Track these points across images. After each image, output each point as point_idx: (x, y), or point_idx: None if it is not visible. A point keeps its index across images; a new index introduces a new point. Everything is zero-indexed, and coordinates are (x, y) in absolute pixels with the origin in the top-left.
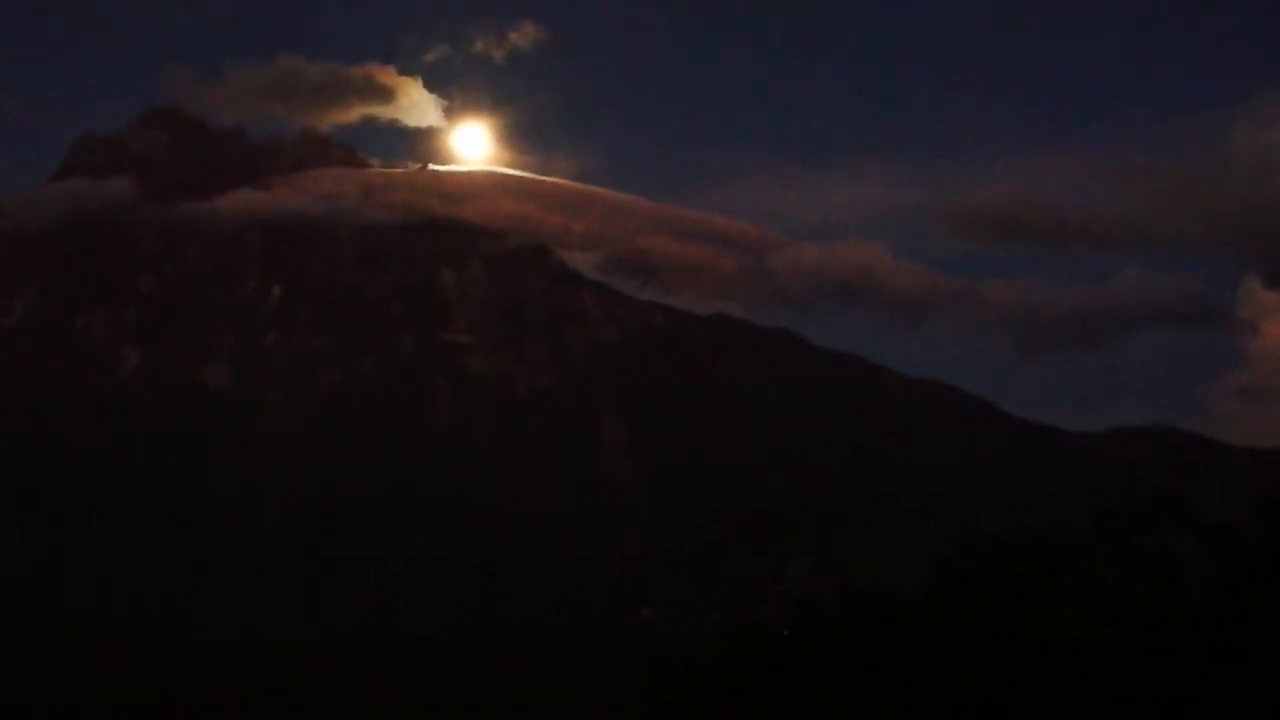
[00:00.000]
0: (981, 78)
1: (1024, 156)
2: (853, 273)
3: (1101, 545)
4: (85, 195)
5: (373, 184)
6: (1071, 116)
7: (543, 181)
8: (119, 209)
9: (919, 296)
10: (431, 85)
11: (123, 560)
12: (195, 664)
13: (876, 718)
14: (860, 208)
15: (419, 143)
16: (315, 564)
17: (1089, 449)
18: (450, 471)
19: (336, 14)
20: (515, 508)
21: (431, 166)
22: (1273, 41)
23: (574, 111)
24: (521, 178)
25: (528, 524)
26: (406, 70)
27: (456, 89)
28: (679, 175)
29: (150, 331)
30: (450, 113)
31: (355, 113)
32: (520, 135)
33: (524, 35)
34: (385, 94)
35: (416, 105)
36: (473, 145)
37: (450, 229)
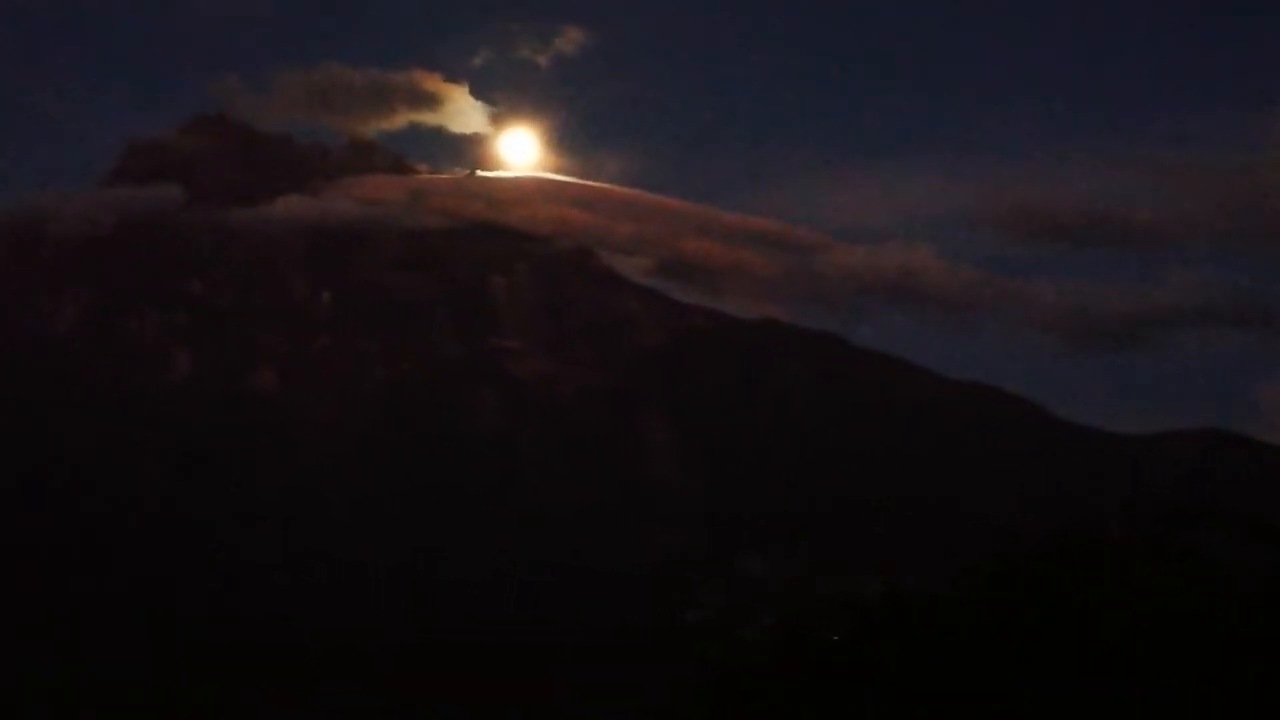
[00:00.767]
0: (1028, 76)
1: (1072, 155)
2: (898, 274)
3: (1148, 546)
4: (135, 200)
5: (420, 189)
6: (1121, 115)
7: (588, 186)
8: (169, 214)
9: (965, 298)
10: (477, 91)
11: (172, 563)
12: (245, 666)
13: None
14: (905, 209)
15: (466, 149)
16: (362, 567)
17: (1138, 451)
18: (497, 475)
19: (382, 21)
20: (561, 511)
21: (479, 172)
22: None
23: (619, 115)
24: (567, 182)
25: (573, 527)
26: (452, 77)
27: (502, 95)
28: (724, 178)
29: (200, 335)
30: (496, 118)
31: (402, 119)
32: (566, 140)
33: (568, 40)
34: (431, 100)
35: (462, 111)
36: (519, 150)
37: (496, 234)
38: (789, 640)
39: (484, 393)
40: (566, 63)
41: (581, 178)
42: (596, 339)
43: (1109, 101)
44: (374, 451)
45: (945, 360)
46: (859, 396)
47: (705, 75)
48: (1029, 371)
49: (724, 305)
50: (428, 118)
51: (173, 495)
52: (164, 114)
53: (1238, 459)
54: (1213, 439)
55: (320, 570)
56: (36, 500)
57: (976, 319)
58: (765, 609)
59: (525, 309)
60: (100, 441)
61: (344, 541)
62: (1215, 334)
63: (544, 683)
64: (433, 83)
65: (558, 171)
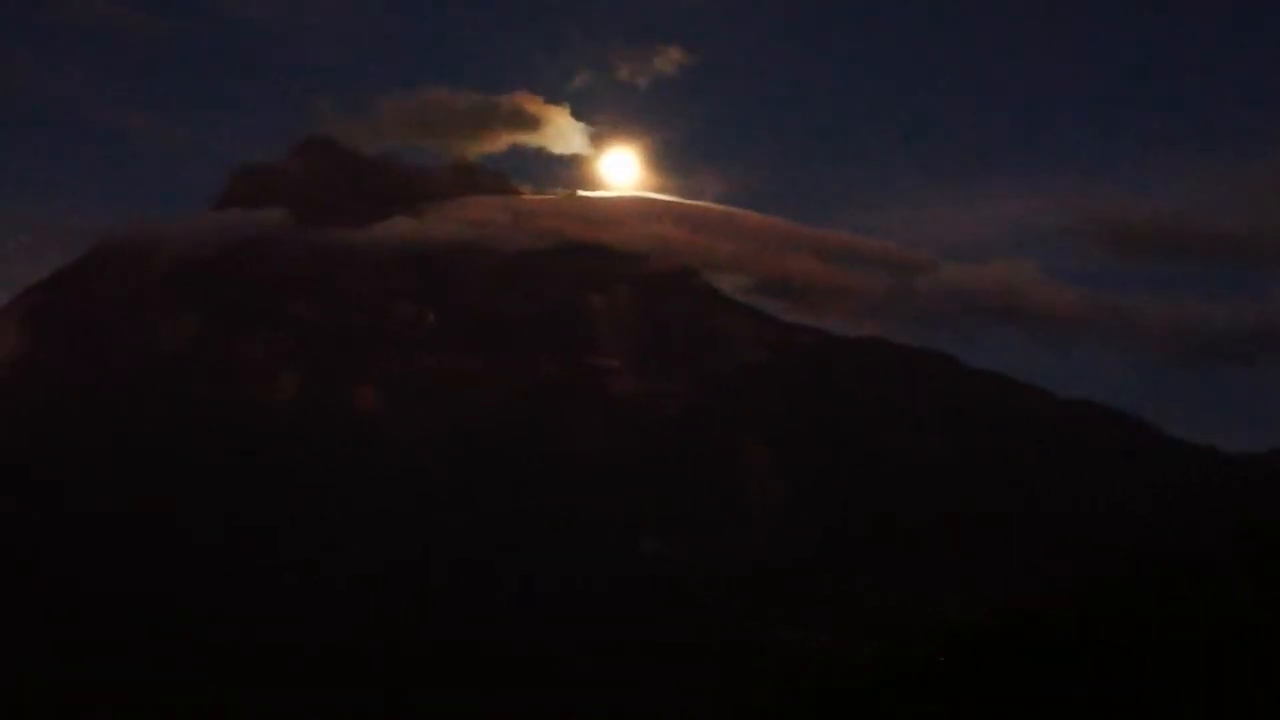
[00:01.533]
0: (1130, 91)
1: (1175, 170)
2: (1002, 292)
3: (1254, 565)
4: (243, 223)
5: (521, 210)
6: (1223, 129)
7: (689, 205)
8: (275, 236)
9: (1070, 315)
10: (578, 112)
11: (279, 581)
12: (350, 680)
13: None
14: (1008, 225)
15: (567, 169)
16: (465, 583)
17: (1247, 469)
18: (597, 493)
19: (483, 44)
20: (660, 529)
21: (580, 192)
22: None
23: (719, 134)
24: (668, 202)
25: (673, 545)
26: (553, 98)
27: (602, 115)
28: (825, 196)
29: (305, 356)
30: (596, 139)
31: (503, 141)
32: (666, 159)
33: (668, 60)
34: (532, 122)
35: (563, 133)
36: (620, 171)
37: (597, 253)
38: (891, 661)
39: (585, 411)
40: (666, 82)
41: (682, 197)
42: (697, 358)
43: (1211, 113)
44: (475, 470)
45: (1052, 378)
46: (965, 414)
47: (806, 93)
48: (1136, 388)
49: (826, 324)
50: (529, 139)
51: (276, 515)
52: (271, 139)
53: None
54: None
55: (422, 588)
56: (144, 517)
57: (1082, 336)
58: (867, 629)
59: (626, 328)
60: (207, 461)
61: (444, 560)
62: None
63: (634, 695)
64: (534, 105)
65: (658, 191)
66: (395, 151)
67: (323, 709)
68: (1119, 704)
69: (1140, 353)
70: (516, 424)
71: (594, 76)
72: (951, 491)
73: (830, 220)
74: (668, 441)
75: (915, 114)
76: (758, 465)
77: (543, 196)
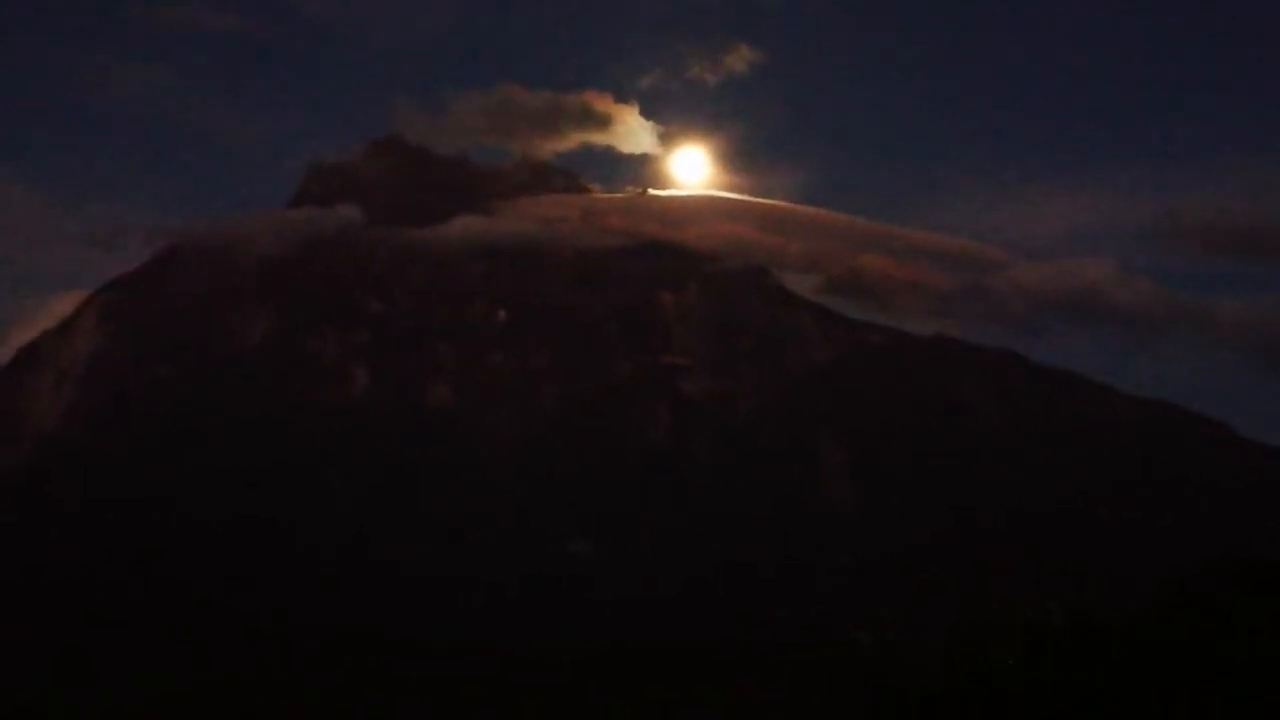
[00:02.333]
0: (1207, 87)
1: (1257, 168)
2: (1078, 290)
3: None
4: (318, 221)
5: (592, 208)
6: None
7: (759, 203)
8: (349, 234)
9: (1148, 314)
10: (647, 112)
11: (352, 574)
12: (422, 676)
13: None
14: (1084, 223)
15: (638, 168)
16: (535, 579)
17: None
18: (669, 492)
19: (554, 43)
20: (731, 527)
21: (650, 191)
22: None
23: (790, 132)
24: (738, 200)
25: (744, 543)
26: (622, 97)
27: (671, 114)
28: (897, 194)
29: (379, 352)
30: (665, 138)
31: (573, 139)
32: (737, 157)
33: (739, 58)
34: (602, 121)
35: (632, 132)
36: (691, 169)
37: (668, 252)
38: (963, 662)
39: (655, 409)
40: (737, 80)
41: (753, 195)
42: (768, 356)
43: None
44: (546, 465)
45: (1128, 378)
46: (1038, 414)
47: (877, 90)
48: (1215, 390)
49: (898, 322)
50: (598, 138)
51: (351, 506)
52: (344, 138)
53: None
54: None
55: (491, 582)
56: (222, 509)
57: (1160, 336)
58: (938, 629)
59: (696, 326)
60: (283, 453)
61: (515, 553)
62: None
63: (708, 694)
64: (603, 103)
65: (729, 189)
66: (467, 150)
67: (385, 697)
68: (1195, 714)
69: (1219, 353)
70: (586, 421)
71: (664, 75)
72: (1022, 492)
73: (902, 217)
74: (738, 440)
75: (990, 109)
76: (829, 464)
77: (613, 195)
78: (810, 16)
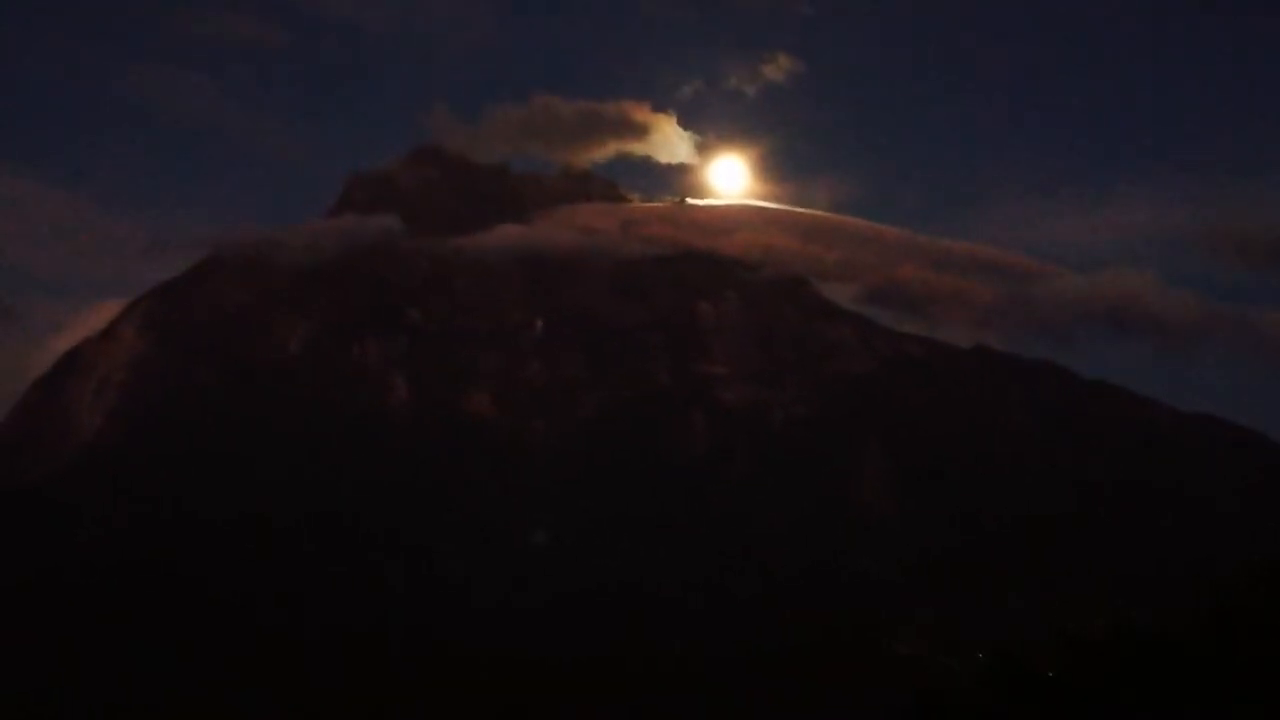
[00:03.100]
0: (1248, 96)
1: None
2: (1119, 301)
3: None
4: (357, 230)
5: (631, 218)
6: None
7: (798, 213)
8: (388, 243)
9: (1190, 326)
10: (685, 121)
11: (390, 582)
12: (461, 683)
13: None
14: (1125, 233)
15: (676, 178)
16: (574, 588)
17: None
18: (707, 501)
19: (590, 53)
20: (771, 537)
21: (689, 200)
22: None
23: (829, 142)
24: (777, 210)
25: (782, 553)
26: (660, 106)
27: (709, 124)
28: (936, 204)
29: (418, 361)
30: (702, 147)
31: (611, 149)
32: (776, 167)
33: (777, 67)
34: (640, 131)
35: (670, 142)
36: (729, 179)
37: (706, 261)
38: (1000, 672)
39: (693, 419)
40: (776, 90)
41: (792, 205)
42: (806, 366)
43: None
44: (584, 475)
45: (1169, 390)
46: (1078, 426)
47: (916, 100)
48: (1258, 401)
49: (936, 333)
50: (635, 148)
51: (390, 515)
52: (383, 147)
53: None
54: None
55: (531, 591)
56: (262, 518)
57: (1201, 347)
58: (976, 639)
59: (735, 336)
60: (324, 462)
61: (554, 562)
62: None
63: (747, 703)
64: (640, 113)
65: (768, 199)
66: (506, 159)
67: (415, 702)
68: None
69: (1261, 365)
70: (625, 430)
71: (702, 84)
72: (1062, 505)
73: (942, 228)
74: (776, 451)
75: (1029, 120)
76: (867, 474)
77: (652, 204)
78: (850, 26)
